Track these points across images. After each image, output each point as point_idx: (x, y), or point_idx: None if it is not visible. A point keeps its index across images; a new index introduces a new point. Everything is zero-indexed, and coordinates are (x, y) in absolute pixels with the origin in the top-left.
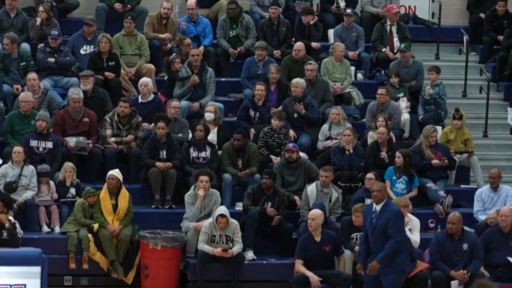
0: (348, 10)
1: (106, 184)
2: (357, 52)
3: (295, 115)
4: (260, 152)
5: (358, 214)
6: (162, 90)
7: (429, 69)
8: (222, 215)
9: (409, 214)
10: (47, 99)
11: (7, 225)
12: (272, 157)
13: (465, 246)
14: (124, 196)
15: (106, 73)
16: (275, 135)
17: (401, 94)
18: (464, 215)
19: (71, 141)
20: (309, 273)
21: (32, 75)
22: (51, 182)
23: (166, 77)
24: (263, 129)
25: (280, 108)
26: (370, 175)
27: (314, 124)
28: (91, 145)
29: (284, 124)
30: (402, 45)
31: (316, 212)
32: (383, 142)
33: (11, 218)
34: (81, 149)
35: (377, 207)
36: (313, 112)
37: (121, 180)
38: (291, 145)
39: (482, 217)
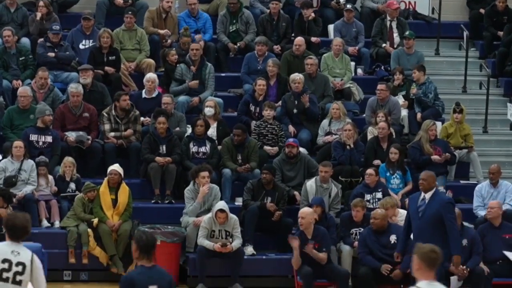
0: (348, 6)
1: (106, 179)
2: (357, 48)
3: (295, 110)
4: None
5: (358, 209)
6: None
7: (413, 67)
8: (221, 210)
9: (399, 210)
10: (52, 95)
11: None
12: (267, 148)
13: (464, 241)
14: (124, 191)
15: (106, 68)
16: (268, 126)
17: (403, 92)
18: (464, 211)
19: (71, 135)
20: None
21: (45, 74)
22: (50, 176)
23: (163, 69)
24: (256, 123)
25: (279, 103)
26: (370, 170)
27: (315, 120)
28: (89, 141)
29: (275, 114)
30: (407, 32)
31: (305, 210)
32: (384, 137)
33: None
34: (80, 141)
35: (426, 195)
36: (313, 108)
37: (122, 175)
38: (291, 140)
39: (481, 213)
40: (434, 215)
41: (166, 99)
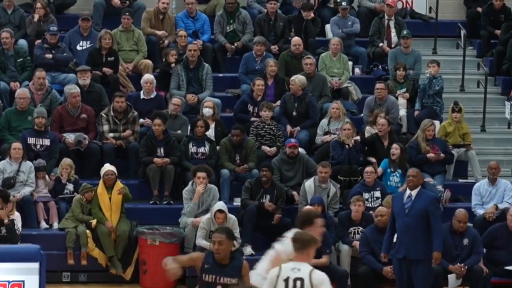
0: (343, 3)
1: (102, 180)
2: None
3: (294, 113)
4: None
5: (360, 203)
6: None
7: (430, 61)
8: (220, 211)
9: None
10: (50, 97)
11: (6, 221)
12: (265, 148)
13: (465, 241)
14: (117, 189)
15: (104, 69)
16: (266, 126)
17: (403, 90)
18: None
19: (69, 137)
20: None
21: (42, 74)
22: (47, 177)
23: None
24: (253, 124)
25: (277, 103)
26: (369, 168)
27: (315, 124)
28: (87, 141)
29: (273, 114)
30: (405, 31)
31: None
32: (384, 134)
33: (16, 215)
34: (78, 142)
35: (412, 193)
36: (313, 112)
37: (116, 174)
38: (293, 140)
39: (480, 211)
40: (421, 212)
41: (176, 100)
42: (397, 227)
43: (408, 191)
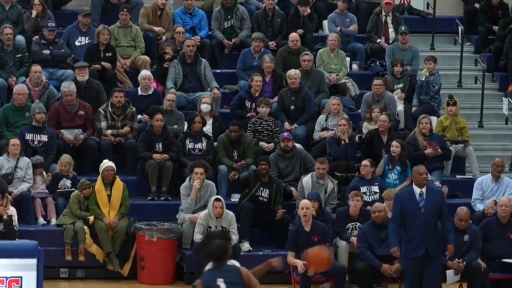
0: None
1: (100, 176)
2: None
3: (292, 107)
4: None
5: (358, 198)
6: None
7: (426, 58)
8: (217, 199)
9: None
10: (47, 93)
11: (4, 217)
12: (263, 144)
13: (466, 237)
14: (118, 186)
15: (103, 63)
16: (264, 122)
17: (401, 85)
18: (460, 205)
19: (67, 134)
20: (296, 261)
21: (37, 68)
22: (44, 173)
23: (157, 60)
24: (251, 120)
25: (275, 99)
26: (365, 162)
27: (312, 118)
28: (82, 136)
29: (271, 110)
30: (402, 27)
31: (307, 201)
32: (384, 130)
33: (11, 210)
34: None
35: (423, 190)
36: (310, 105)
37: (115, 170)
38: (285, 134)
39: (480, 206)
40: (436, 207)
41: (171, 96)
42: (412, 226)
43: (418, 189)
